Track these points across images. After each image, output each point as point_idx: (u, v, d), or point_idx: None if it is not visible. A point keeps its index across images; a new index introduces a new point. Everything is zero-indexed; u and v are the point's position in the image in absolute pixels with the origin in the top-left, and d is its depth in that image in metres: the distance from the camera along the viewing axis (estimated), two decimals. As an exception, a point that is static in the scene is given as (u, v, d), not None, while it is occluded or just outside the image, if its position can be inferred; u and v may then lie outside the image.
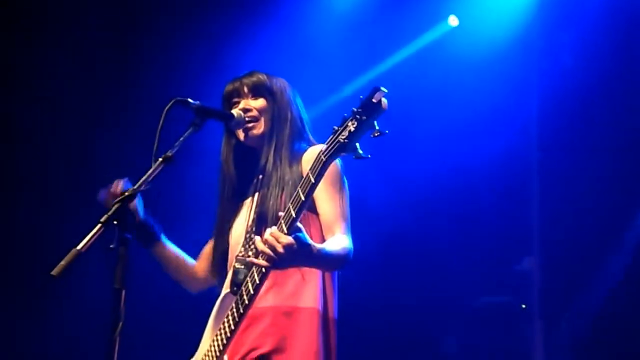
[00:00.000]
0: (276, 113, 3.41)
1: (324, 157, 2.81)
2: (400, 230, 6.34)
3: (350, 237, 3.22)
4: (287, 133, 3.39)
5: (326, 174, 2.96)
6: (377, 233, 6.03)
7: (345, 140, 2.74)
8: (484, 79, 6.18)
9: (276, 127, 3.39)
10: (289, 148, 3.36)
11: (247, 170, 3.46)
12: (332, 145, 2.78)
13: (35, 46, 5.91)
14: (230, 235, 3.42)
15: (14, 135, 5.95)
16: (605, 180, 6.04)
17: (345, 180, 3.33)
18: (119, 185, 3.33)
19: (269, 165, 3.33)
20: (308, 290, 3.21)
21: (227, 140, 3.51)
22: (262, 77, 3.49)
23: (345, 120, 2.76)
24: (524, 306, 6.29)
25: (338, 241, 3.14)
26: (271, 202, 3.23)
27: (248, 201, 3.41)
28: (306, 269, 3.19)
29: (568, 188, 6.19)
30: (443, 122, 6.20)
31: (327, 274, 3.28)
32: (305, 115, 3.52)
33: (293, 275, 3.22)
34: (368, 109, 2.71)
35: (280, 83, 3.51)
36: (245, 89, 3.46)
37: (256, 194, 3.37)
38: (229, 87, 3.50)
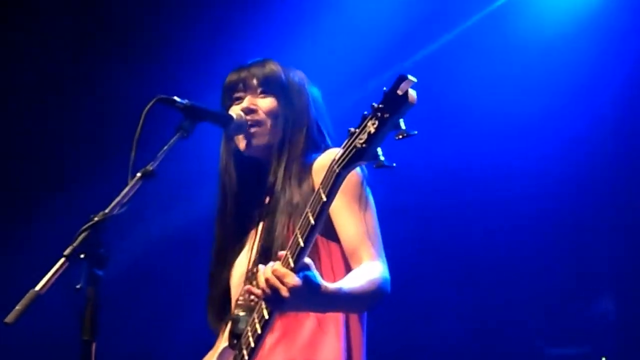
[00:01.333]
0: (290, 119, 3.29)
1: (337, 167, 2.67)
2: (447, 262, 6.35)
3: (384, 263, 3.06)
4: (301, 144, 3.27)
5: (345, 185, 2.81)
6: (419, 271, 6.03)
7: (364, 145, 2.59)
8: (548, 69, 6.14)
9: (289, 137, 3.27)
10: (300, 162, 3.23)
11: (253, 184, 3.34)
12: (347, 152, 2.64)
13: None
14: (232, 272, 3.32)
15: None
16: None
17: (370, 193, 3.17)
18: None
19: (278, 186, 3.21)
20: (327, 341, 3.08)
21: (226, 144, 3.39)
22: (277, 68, 3.35)
23: (364, 119, 2.61)
24: (604, 359, 6.23)
25: (364, 273, 2.98)
26: (277, 234, 3.11)
27: (253, 231, 3.31)
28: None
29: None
30: (487, 122, 6.19)
31: (352, 317, 3.14)
32: (325, 120, 3.39)
33: (307, 321, 3.09)
34: (392, 104, 2.54)
35: (298, 78, 3.38)
36: (255, 81, 3.33)
37: (262, 222, 3.27)
38: (232, 77, 3.37)
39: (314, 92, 3.41)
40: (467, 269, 6.35)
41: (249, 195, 3.35)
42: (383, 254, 3.10)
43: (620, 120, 6.24)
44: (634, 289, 6.21)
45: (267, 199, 3.27)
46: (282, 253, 2.77)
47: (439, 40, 6.32)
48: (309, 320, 3.10)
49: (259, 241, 3.21)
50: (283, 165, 3.23)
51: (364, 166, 3.16)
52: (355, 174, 3.12)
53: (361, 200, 3.13)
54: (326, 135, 3.36)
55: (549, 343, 6.38)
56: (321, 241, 3.11)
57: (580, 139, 6.22)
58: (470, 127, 6.23)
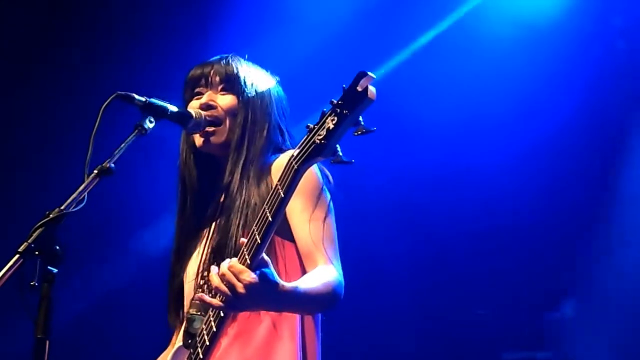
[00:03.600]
0: (249, 118, 3.27)
1: (296, 163, 2.67)
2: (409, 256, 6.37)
3: (338, 267, 3.07)
4: (260, 145, 3.25)
5: (303, 187, 2.84)
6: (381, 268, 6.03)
7: (323, 141, 2.59)
8: (520, 66, 6.22)
9: (248, 136, 3.25)
10: (259, 162, 3.22)
11: (211, 181, 3.33)
12: (305, 148, 2.64)
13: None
14: (186, 270, 3.31)
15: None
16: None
17: (328, 193, 3.17)
18: None
19: (234, 185, 3.19)
20: (282, 342, 3.07)
21: (186, 139, 3.39)
22: (240, 66, 3.35)
23: (323, 115, 2.63)
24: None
25: (319, 275, 2.98)
26: (231, 233, 3.09)
27: (207, 229, 3.29)
28: (275, 314, 3.05)
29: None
30: (463, 119, 6.25)
31: (307, 319, 3.15)
32: (288, 121, 3.38)
33: (262, 322, 3.08)
34: (351, 101, 2.56)
35: (260, 77, 3.37)
36: (217, 78, 3.32)
37: (215, 222, 3.25)
38: (195, 72, 3.36)
39: (278, 92, 3.41)
40: (425, 272, 6.37)
41: (206, 192, 3.35)
42: (338, 258, 3.10)
43: (588, 120, 6.29)
44: (594, 293, 6.26)
45: (222, 198, 3.26)
46: (243, 240, 2.77)
47: (413, 42, 6.36)
48: (264, 322, 3.09)
49: (212, 240, 3.20)
50: (240, 164, 3.22)
51: (324, 169, 3.19)
52: (315, 176, 3.13)
53: (319, 203, 3.12)
54: (287, 137, 3.35)
55: (508, 348, 6.41)
56: (276, 240, 3.11)
57: (545, 145, 6.28)
58: (444, 128, 6.27)
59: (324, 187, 3.16)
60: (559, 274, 6.34)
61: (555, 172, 6.31)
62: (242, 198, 3.15)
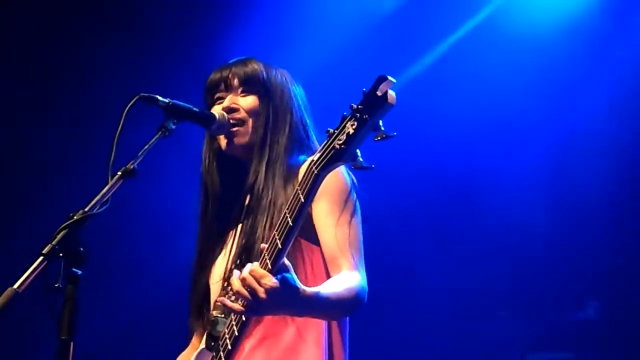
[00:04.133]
0: (272, 117, 3.27)
1: (316, 169, 2.68)
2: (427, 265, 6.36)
3: (363, 273, 3.05)
4: (284, 143, 3.24)
5: (330, 190, 2.87)
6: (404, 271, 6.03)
7: (343, 146, 2.59)
8: (544, 65, 6.22)
9: (270, 135, 3.25)
10: (285, 162, 3.22)
11: (235, 185, 3.32)
12: (325, 153, 2.65)
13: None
14: (211, 273, 3.31)
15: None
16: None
17: (356, 198, 3.16)
18: None
19: (259, 185, 3.19)
20: (307, 347, 3.06)
21: (209, 145, 3.39)
22: (258, 66, 3.34)
23: (343, 120, 2.62)
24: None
25: (342, 280, 2.97)
26: (258, 234, 3.09)
27: (232, 231, 3.29)
28: (301, 319, 3.04)
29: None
30: (488, 120, 6.25)
31: (333, 323, 3.14)
32: (309, 118, 3.38)
33: (287, 326, 3.08)
34: (371, 105, 2.55)
35: (280, 76, 3.37)
36: (236, 81, 3.33)
37: (241, 223, 3.25)
38: (214, 76, 3.36)
39: (298, 91, 3.41)
40: (451, 274, 6.37)
41: (230, 196, 3.34)
42: (363, 264, 3.09)
43: (609, 126, 6.28)
44: (619, 294, 6.24)
45: (248, 199, 3.26)
46: (263, 246, 2.77)
47: (436, 45, 6.37)
48: (290, 326, 3.08)
49: (239, 241, 3.19)
50: (264, 164, 3.22)
51: (351, 173, 3.18)
52: (342, 179, 3.13)
53: (346, 207, 3.11)
54: (312, 135, 3.34)
55: (532, 348, 6.40)
56: (304, 245, 3.11)
57: (570, 144, 6.26)
58: (468, 129, 6.29)
59: (353, 192, 3.15)
60: (583, 275, 6.32)
61: (579, 173, 6.28)
62: (269, 198, 3.14)
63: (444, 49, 6.35)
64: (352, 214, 3.13)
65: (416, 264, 6.40)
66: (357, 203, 3.17)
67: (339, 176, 3.12)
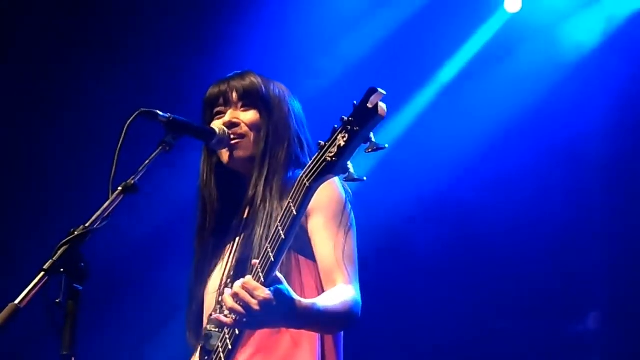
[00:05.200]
0: (271, 131, 3.28)
1: (308, 181, 2.70)
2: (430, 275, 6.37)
3: (357, 288, 3.07)
4: (282, 157, 3.26)
5: (325, 204, 2.91)
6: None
7: (334, 159, 2.62)
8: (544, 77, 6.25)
9: (270, 149, 3.26)
10: (282, 177, 3.23)
11: (233, 199, 3.34)
12: (317, 166, 2.67)
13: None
14: (207, 286, 3.31)
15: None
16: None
17: (352, 212, 3.17)
18: None
19: (257, 198, 3.20)
20: (302, 354, 3.07)
21: (207, 159, 3.40)
22: (257, 80, 3.35)
23: (334, 132, 2.65)
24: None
25: (337, 294, 2.99)
26: (254, 245, 3.08)
27: (230, 244, 3.30)
28: (296, 331, 3.04)
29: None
30: (482, 128, 6.29)
31: (327, 336, 3.14)
32: (306, 134, 3.39)
33: (282, 339, 3.08)
34: (362, 117, 2.58)
35: (279, 90, 3.38)
36: (235, 96, 3.34)
37: (239, 236, 3.26)
38: (213, 91, 3.37)
39: (295, 105, 3.42)
40: (453, 283, 6.36)
41: (228, 210, 3.35)
42: (357, 278, 3.10)
43: (606, 130, 6.28)
44: (621, 306, 6.23)
45: (246, 212, 3.27)
46: (255, 261, 2.77)
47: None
48: (285, 338, 3.09)
49: (236, 253, 3.20)
50: (264, 177, 3.23)
51: (346, 185, 3.19)
52: (338, 193, 3.15)
53: (341, 220, 3.13)
54: (306, 148, 3.35)
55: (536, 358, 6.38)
56: (299, 260, 3.12)
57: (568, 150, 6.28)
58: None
59: (348, 204, 3.17)
60: (583, 285, 6.31)
61: (581, 181, 6.29)
62: (266, 210, 3.15)
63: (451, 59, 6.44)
64: (348, 228, 3.14)
65: (412, 275, 6.40)
66: (352, 215, 3.19)
67: (334, 189, 3.14)
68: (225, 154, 3.31)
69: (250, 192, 3.24)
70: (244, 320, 2.73)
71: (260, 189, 3.22)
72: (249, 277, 2.73)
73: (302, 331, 3.05)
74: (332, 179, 3.12)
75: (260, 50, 5.99)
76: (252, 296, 2.69)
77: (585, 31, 6.28)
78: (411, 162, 6.23)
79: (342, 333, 3.21)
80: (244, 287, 2.70)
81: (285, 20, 6.24)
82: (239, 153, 3.29)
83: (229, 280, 3.15)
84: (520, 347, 6.27)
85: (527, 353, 6.32)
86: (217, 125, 3.29)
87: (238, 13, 6.26)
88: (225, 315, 2.84)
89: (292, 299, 2.76)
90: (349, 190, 3.21)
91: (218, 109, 3.36)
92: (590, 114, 6.22)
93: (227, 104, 3.35)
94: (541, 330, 6.30)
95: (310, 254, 3.14)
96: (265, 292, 2.69)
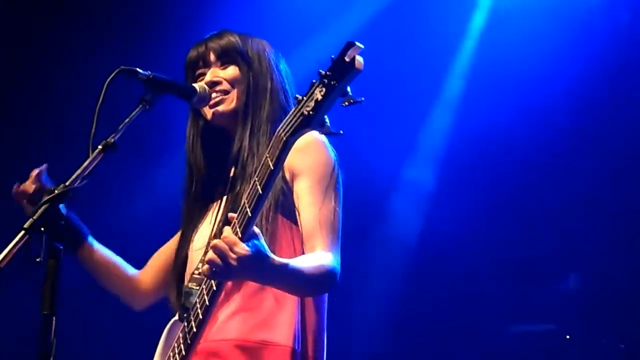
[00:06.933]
0: (252, 83, 3.27)
1: (284, 135, 2.68)
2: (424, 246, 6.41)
3: (336, 255, 3.04)
4: (266, 109, 3.24)
5: (312, 167, 2.88)
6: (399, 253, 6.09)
7: (311, 113, 2.60)
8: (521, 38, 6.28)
9: (252, 101, 3.25)
10: (268, 130, 3.20)
11: (220, 159, 3.32)
12: (294, 119, 2.65)
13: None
14: (191, 246, 3.29)
15: None
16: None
17: (339, 176, 3.16)
18: (36, 179, 3.28)
19: (244, 153, 3.19)
20: (282, 318, 3.06)
21: (193, 122, 3.38)
22: (234, 38, 3.34)
23: (312, 86, 2.63)
24: (568, 337, 6.28)
25: (313, 258, 2.97)
26: (243, 201, 2.98)
27: (216, 203, 3.28)
28: (280, 292, 3.02)
29: (626, 182, 6.19)
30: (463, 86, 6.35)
31: (308, 300, 3.12)
32: (291, 86, 3.37)
33: (265, 299, 3.07)
34: (339, 71, 2.56)
35: (257, 45, 3.37)
36: (212, 56, 3.32)
37: (226, 195, 3.24)
38: (192, 54, 3.36)
39: (279, 60, 3.41)
40: (430, 247, 6.40)
41: (215, 171, 3.34)
42: (338, 245, 3.08)
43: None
44: (599, 266, 6.27)
45: (232, 171, 3.26)
46: (232, 215, 2.76)
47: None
48: (268, 298, 3.07)
49: (223, 211, 3.18)
50: (248, 130, 3.22)
51: (333, 149, 3.18)
52: (326, 155, 3.14)
53: (328, 184, 3.11)
54: (290, 100, 3.33)
55: (513, 320, 6.43)
56: (282, 222, 3.11)
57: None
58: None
59: (336, 168, 3.15)
60: (564, 247, 6.35)
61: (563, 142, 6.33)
62: (254, 166, 3.11)
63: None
64: (333, 193, 3.12)
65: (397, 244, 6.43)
66: (340, 180, 3.17)
67: (322, 151, 3.13)
68: (208, 111, 3.30)
69: (235, 148, 3.23)
70: (218, 271, 2.71)
71: (246, 142, 3.21)
72: (228, 230, 2.72)
73: (286, 293, 3.03)
74: (321, 140, 3.15)
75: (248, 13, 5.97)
76: (232, 250, 2.67)
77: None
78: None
79: (326, 299, 3.20)
80: (223, 240, 2.69)
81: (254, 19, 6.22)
82: (222, 108, 3.27)
83: (214, 238, 3.12)
84: (503, 308, 6.33)
85: (507, 314, 6.38)
86: (197, 84, 3.27)
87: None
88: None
89: (267, 256, 2.75)
90: (336, 153, 3.19)
91: (199, 71, 3.35)
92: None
93: (207, 65, 3.34)
94: (524, 292, 6.35)
95: (293, 216, 3.12)
96: (243, 248, 2.68)
